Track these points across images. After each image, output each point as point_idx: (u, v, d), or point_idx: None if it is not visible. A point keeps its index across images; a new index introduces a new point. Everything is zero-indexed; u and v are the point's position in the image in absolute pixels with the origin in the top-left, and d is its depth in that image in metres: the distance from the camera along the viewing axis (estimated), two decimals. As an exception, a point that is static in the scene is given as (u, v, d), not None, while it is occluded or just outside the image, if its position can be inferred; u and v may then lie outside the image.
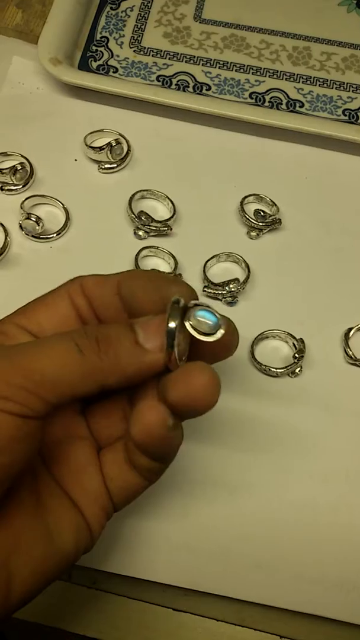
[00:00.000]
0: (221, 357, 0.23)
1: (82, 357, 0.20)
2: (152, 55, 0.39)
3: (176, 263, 0.33)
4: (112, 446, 0.24)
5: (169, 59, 0.39)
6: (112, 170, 0.36)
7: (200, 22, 0.41)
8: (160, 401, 0.21)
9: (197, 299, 0.22)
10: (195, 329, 0.21)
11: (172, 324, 0.20)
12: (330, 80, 0.39)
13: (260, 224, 0.34)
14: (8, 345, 0.20)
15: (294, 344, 0.32)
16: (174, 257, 0.33)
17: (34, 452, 0.21)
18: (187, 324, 0.21)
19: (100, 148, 0.35)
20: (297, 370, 0.31)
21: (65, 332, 0.21)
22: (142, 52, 0.40)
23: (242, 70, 0.39)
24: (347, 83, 0.39)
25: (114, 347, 0.20)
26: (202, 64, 0.39)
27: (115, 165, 0.36)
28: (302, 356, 0.31)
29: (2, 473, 0.19)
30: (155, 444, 0.21)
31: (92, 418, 0.25)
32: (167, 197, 0.35)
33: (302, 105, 0.38)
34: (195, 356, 0.22)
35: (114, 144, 0.35)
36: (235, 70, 0.39)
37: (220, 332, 0.21)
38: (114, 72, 0.39)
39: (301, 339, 0.32)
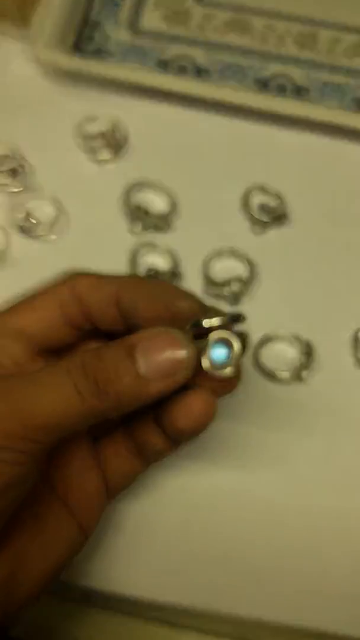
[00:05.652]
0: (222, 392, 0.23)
1: (83, 400, 0.19)
2: (150, 39, 0.38)
3: (175, 260, 0.33)
4: (110, 438, 0.24)
5: (168, 42, 0.38)
6: (108, 161, 0.35)
7: (201, 5, 0.39)
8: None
9: (205, 310, 0.23)
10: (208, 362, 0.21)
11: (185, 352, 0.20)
12: (339, 66, 0.38)
13: (265, 218, 0.34)
14: (0, 383, 0.20)
15: (300, 347, 0.31)
16: (172, 254, 0.33)
17: (31, 486, 0.21)
18: (203, 361, 0.21)
19: (96, 137, 0.35)
20: (303, 375, 0.31)
21: (62, 367, 0.20)
22: (139, 36, 0.38)
23: (245, 55, 0.38)
24: (356, 70, 0.38)
25: (114, 386, 0.20)
26: (203, 48, 0.38)
27: (111, 155, 0.35)
28: (310, 359, 0.30)
29: (0, 515, 0.20)
30: (199, 432, 0.22)
31: None
32: (166, 189, 0.34)
33: (308, 92, 0.37)
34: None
35: (110, 133, 0.35)
36: (239, 55, 0.38)
37: (230, 370, 0.21)
38: (110, 57, 0.38)
39: (308, 341, 0.31)
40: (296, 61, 0.38)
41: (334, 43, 0.39)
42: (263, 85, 0.37)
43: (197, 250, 0.33)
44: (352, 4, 0.40)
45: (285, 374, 0.30)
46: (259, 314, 0.31)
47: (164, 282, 0.32)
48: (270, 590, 0.28)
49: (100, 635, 0.29)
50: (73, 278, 0.23)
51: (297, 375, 0.30)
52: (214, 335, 0.21)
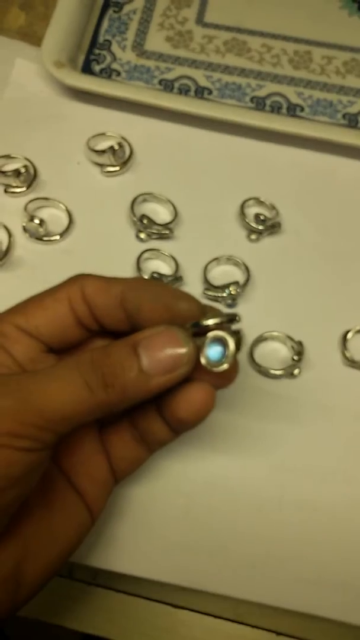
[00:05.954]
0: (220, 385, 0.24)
1: (92, 393, 0.20)
2: (155, 59, 0.40)
3: (177, 266, 0.34)
4: (115, 426, 0.25)
5: (171, 62, 0.39)
6: (114, 174, 0.36)
7: (202, 26, 0.41)
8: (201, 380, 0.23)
9: (203, 311, 0.23)
10: (205, 358, 0.22)
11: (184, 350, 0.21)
12: (331, 84, 0.39)
13: (260, 227, 0.34)
14: (16, 377, 0.21)
15: (292, 346, 0.32)
16: (175, 259, 0.34)
17: (42, 473, 0.22)
18: (201, 358, 0.22)
19: (103, 151, 0.35)
20: (295, 372, 0.32)
21: (72, 362, 0.21)
22: (144, 56, 0.40)
23: (243, 74, 0.39)
24: (348, 87, 0.39)
25: (119, 380, 0.21)
26: (204, 68, 0.39)
27: (117, 168, 0.36)
28: (301, 358, 0.31)
29: (14, 502, 0.20)
30: (199, 422, 0.23)
31: None
32: (168, 200, 0.35)
33: (302, 110, 0.38)
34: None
35: (116, 147, 0.35)
36: (237, 75, 0.39)
37: (225, 366, 0.22)
38: (116, 76, 0.39)
39: (300, 341, 0.32)
40: (291, 80, 0.39)
41: (326, 62, 0.40)
42: (260, 103, 0.38)
43: (198, 256, 0.34)
44: (344, 24, 0.41)
45: (278, 372, 0.31)
46: (254, 316, 0.33)
47: (166, 285, 0.32)
48: (265, 573, 0.28)
49: (104, 613, 0.30)
50: (81, 279, 0.23)
51: (289, 373, 0.32)
52: (211, 334, 0.22)
